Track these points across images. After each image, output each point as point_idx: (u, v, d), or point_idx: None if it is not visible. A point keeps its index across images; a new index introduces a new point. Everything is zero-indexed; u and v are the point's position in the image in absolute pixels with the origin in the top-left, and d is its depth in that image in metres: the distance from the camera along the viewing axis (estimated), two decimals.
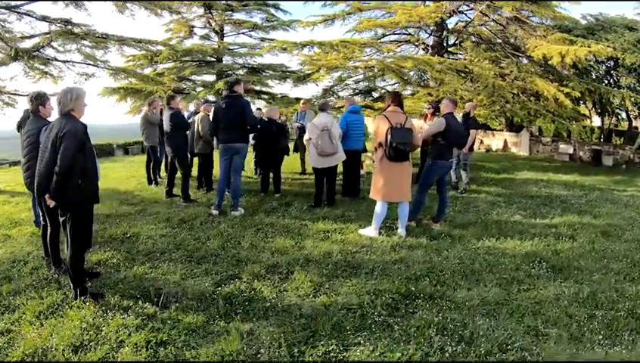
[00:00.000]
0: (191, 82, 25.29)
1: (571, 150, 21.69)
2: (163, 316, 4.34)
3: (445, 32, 18.42)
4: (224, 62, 24.85)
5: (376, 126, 6.76)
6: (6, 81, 13.86)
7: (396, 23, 17.75)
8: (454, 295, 4.84)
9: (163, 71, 24.16)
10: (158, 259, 5.95)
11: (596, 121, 27.49)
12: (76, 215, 4.46)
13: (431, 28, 18.30)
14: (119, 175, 13.48)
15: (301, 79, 19.63)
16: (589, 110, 25.50)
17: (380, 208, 6.79)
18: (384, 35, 20.04)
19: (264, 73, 24.41)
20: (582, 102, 22.87)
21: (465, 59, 18.18)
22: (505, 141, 25.13)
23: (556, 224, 8.12)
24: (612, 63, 21.31)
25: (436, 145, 7.14)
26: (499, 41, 18.61)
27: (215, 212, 8.14)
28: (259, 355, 3.67)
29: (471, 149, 10.89)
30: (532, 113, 16.22)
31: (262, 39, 25.34)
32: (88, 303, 4.51)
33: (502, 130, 25.84)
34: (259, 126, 9.50)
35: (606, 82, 21.49)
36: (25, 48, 12.54)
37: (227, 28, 25.84)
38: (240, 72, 24.98)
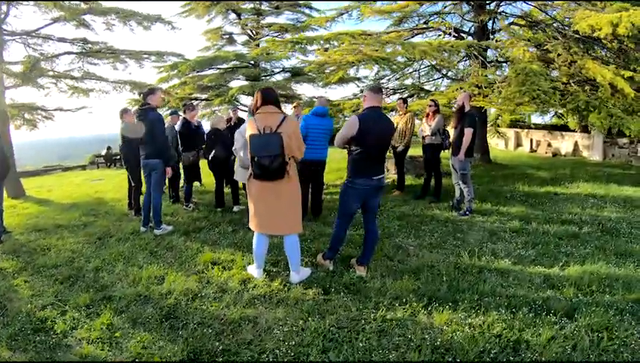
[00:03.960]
0: (214, 89, 25.22)
1: None
2: None
3: (480, 16, 15.80)
4: (262, 66, 25.35)
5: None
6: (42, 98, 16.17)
7: (404, 7, 16.28)
8: None
9: (185, 80, 24.61)
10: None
11: None
12: None
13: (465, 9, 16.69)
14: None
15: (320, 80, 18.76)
16: None
17: (255, 242, 5.43)
18: (400, 23, 18.13)
19: (301, 76, 24.25)
20: None
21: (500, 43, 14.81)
22: (576, 144, 21.90)
23: (568, 280, 5.42)
24: None
25: (352, 156, 5.34)
26: (541, 18, 16.04)
27: (142, 229, 7.82)
28: None
29: (469, 154, 8.59)
30: (581, 106, 12.45)
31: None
32: None
33: (575, 130, 22.36)
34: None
35: None
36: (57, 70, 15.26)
37: (262, 32, 26.68)
38: (279, 76, 26.03)
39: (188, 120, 9.70)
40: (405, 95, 18.15)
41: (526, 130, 25.21)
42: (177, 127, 10.11)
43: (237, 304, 4.72)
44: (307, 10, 27.24)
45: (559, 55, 14.01)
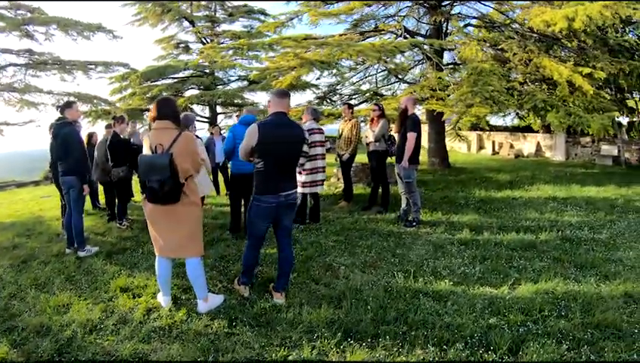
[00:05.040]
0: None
1: (615, 152, 18.10)
2: None
3: (433, 17, 15.38)
4: (216, 74, 24.51)
5: None
6: None
7: (351, 9, 15.73)
8: None
9: (135, 91, 23.44)
10: None
11: None
12: None
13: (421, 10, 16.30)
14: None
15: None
16: (636, 101, 20.97)
17: (156, 266, 4.84)
18: (356, 26, 17.53)
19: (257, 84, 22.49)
20: (627, 91, 18.87)
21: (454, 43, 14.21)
22: (538, 145, 21.83)
23: (517, 304, 4.66)
24: None
25: (256, 170, 4.72)
26: (501, 19, 15.71)
27: (67, 250, 7.21)
28: None
29: (414, 161, 7.85)
30: (538, 106, 11.91)
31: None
32: None
33: (538, 131, 22.17)
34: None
35: None
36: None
37: (217, 39, 25.77)
38: (234, 85, 25.14)
39: (118, 133, 8.84)
40: (359, 100, 17.56)
41: (487, 132, 24.87)
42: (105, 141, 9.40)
43: (134, 338, 4.18)
44: (262, 17, 26.53)
45: (515, 54, 13.50)
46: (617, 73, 13.46)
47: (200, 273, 4.72)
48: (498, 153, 23.38)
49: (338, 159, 9.88)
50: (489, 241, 6.83)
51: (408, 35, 15.65)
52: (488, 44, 15.16)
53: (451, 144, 22.22)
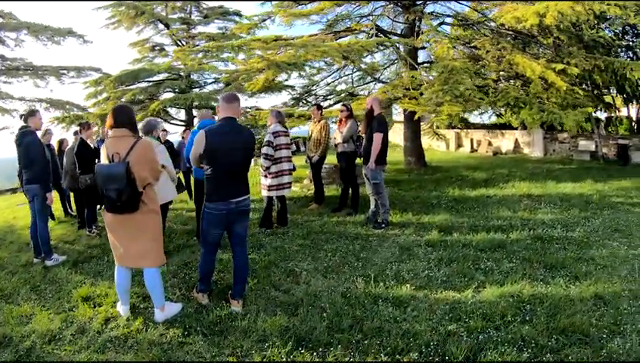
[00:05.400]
0: (136, 104, 23.26)
1: (593, 147, 18.08)
2: None
3: (406, 15, 15.15)
4: (192, 77, 24.17)
5: None
6: None
7: (322, 9, 15.40)
8: None
9: (109, 95, 22.71)
10: None
11: (633, 112, 23.87)
12: None
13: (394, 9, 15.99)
14: None
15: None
16: (613, 97, 20.98)
17: (115, 276, 4.78)
18: (331, 27, 17.13)
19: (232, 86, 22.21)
20: (603, 87, 18.79)
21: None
22: (516, 141, 21.81)
23: (480, 309, 4.45)
24: (631, 34, 18.12)
25: (206, 176, 4.66)
26: (477, 18, 15.46)
27: (35, 260, 7.04)
28: None
29: (381, 162, 7.62)
30: (511, 103, 11.79)
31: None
32: None
33: (517, 128, 22.28)
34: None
35: (627, 58, 17.87)
36: None
37: (192, 42, 25.33)
38: (210, 87, 24.75)
39: (85, 140, 8.58)
40: (334, 101, 17.33)
41: (465, 130, 24.87)
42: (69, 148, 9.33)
43: (90, 348, 4.12)
44: (237, 18, 26.15)
45: (488, 52, 13.36)
46: (592, 69, 13.35)
47: (158, 282, 4.62)
48: (476, 150, 23.35)
49: (308, 161, 9.65)
50: (458, 242, 6.62)
51: (381, 35, 15.45)
52: (461, 43, 15.12)
53: (429, 142, 22.17)
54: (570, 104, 12.27)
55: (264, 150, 7.63)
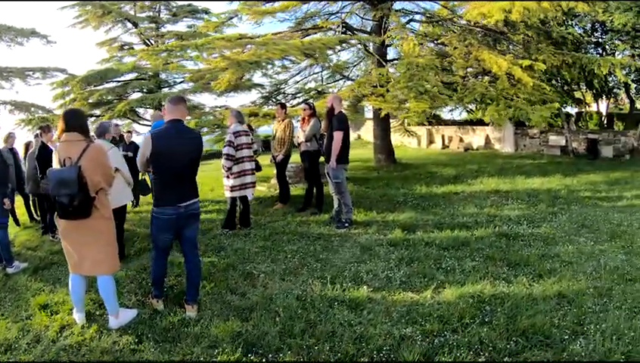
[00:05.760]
0: (103, 105, 22.99)
1: (563, 142, 18.25)
2: None
3: (373, 12, 15.04)
4: (162, 77, 23.95)
5: None
6: None
7: (287, 7, 15.25)
8: None
9: (76, 97, 22.00)
10: None
11: (602, 108, 24.39)
12: None
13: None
14: None
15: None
16: (583, 93, 21.42)
17: (70, 283, 4.65)
18: (300, 24, 16.93)
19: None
20: (574, 83, 19.75)
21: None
22: (487, 137, 21.98)
23: (438, 310, 4.31)
24: (600, 31, 18.37)
25: (153, 180, 4.68)
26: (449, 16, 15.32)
27: None
28: None
29: (343, 161, 7.49)
30: (477, 99, 11.84)
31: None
32: None
33: (488, 124, 21.92)
34: None
35: (596, 54, 18.09)
36: None
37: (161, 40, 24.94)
38: (179, 87, 24.39)
39: (45, 143, 8.29)
40: (304, 99, 17.15)
41: (436, 127, 24.87)
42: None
43: (44, 357, 4.04)
44: (206, 16, 25.66)
45: (455, 48, 13.32)
46: (561, 65, 13.51)
47: (111, 289, 4.56)
48: (448, 146, 23.37)
49: (273, 160, 9.50)
50: (421, 241, 6.46)
51: (350, 32, 15.34)
52: (429, 40, 15.14)
53: (401, 139, 22.10)
54: (539, 100, 12.24)
55: (225, 150, 7.45)
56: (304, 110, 8.90)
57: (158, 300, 4.85)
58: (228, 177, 7.63)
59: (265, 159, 11.06)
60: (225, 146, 7.50)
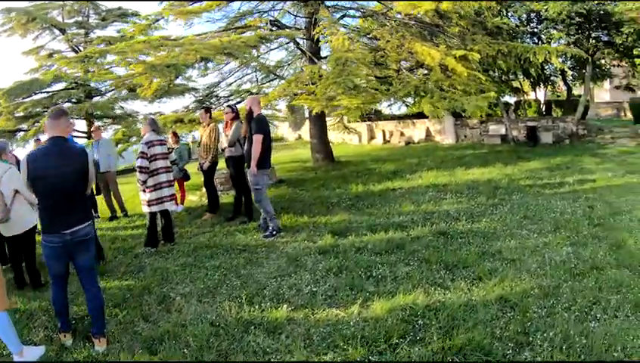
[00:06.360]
0: (30, 119, 22.19)
1: (503, 131, 18.40)
2: None
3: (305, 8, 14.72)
4: (92, 85, 23.05)
5: None
6: None
7: (211, 7, 14.70)
8: None
9: (1, 111, 21.34)
10: None
11: (541, 95, 24.81)
12: None
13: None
14: None
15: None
16: (520, 82, 21.74)
17: None
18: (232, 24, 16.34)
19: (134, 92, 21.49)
20: (511, 72, 19.63)
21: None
22: (428, 130, 21.95)
23: (365, 329, 3.82)
24: (535, 20, 18.22)
25: (38, 209, 4.15)
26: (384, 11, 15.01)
27: None
28: None
29: (265, 166, 7.05)
30: (411, 92, 11.59)
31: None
32: None
33: (428, 116, 21.93)
34: None
35: (532, 44, 17.96)
36: None
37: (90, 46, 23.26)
38: (110, 94, 23.56)
39: None
40: (238, 101, 16.58)
41: (376, 122, 24.79)
42: None
43: None
44: (136, 20, 24.85)
45: (388, 42, 12.98)
46: (496, 55, 13.46)
47: (7, 327, 4.06)
48: (389, 141, 23.24)
49: (200, 168, 8.96)
50: (352, 246, 5.99)
51: (280, 30, 14.88)
52: (362, 34, 14.80)
53: (342, 136, 21.79)
54: (476, 91, 12.06)
55: (138, 162, 6.86)
56: (226, 113, 8.37)
57: (65, 334, 4.37)
58: (144, 191, 7.02)
59: (192, 167, 10.46)
60: (137, 158, 6.92)
